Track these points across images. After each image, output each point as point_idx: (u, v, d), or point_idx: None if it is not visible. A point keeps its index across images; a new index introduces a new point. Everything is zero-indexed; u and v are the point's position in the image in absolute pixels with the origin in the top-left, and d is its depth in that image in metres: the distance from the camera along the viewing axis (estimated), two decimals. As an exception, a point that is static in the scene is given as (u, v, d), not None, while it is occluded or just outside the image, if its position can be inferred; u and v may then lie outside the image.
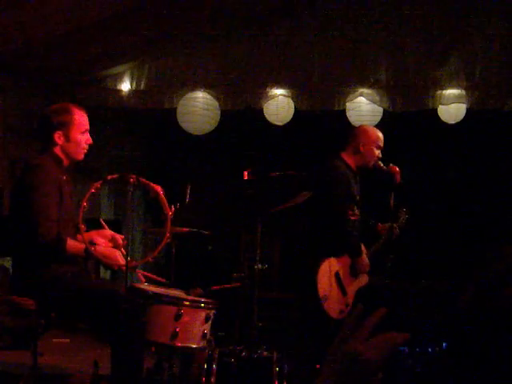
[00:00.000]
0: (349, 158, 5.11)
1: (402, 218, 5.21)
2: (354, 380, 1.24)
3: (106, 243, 3.89)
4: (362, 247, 5.00)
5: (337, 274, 4.82)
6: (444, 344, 5.15)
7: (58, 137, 3.83)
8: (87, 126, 3.92)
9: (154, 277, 4.04)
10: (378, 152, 5.13)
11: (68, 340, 6.13)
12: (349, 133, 5.27)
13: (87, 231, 3.73)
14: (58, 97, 6.65)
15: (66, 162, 3.90)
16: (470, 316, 1.36)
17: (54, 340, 5.93)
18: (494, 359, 1.33)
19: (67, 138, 3.84)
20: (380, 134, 5.22)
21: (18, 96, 6.92)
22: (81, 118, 3.89)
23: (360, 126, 5.47)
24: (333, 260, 4.83)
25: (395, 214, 5.09)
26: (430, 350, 5.33)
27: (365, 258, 4.93)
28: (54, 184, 3.73)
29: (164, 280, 4.15)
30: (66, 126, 3.83)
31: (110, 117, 7.81)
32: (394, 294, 4.65)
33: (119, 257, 3.68)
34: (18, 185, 3.88)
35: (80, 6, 5.74)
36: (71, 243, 3.63)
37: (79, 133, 3.87)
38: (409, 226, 5.24)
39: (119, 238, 3.93)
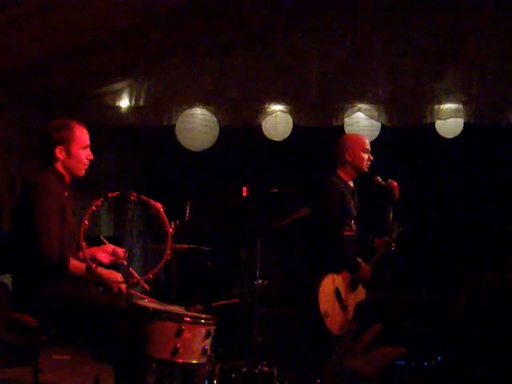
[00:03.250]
0: (343, 173, 5.09)
1: (395, 233, 5.15)
2: (351, 394, 1.26)
3: (107, 257, 3.90)
4: (359, 260, 5.00)
5: (337, 290, 4.83)
6: (438, 357, 5.16)
7: (59, 152, 3.81)
8: (88, 142, 3.91)
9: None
10: (366, 155, 5.07)
11: (69, 356, 6.11)
12: (334, 148, 5.18)
13: (88, 248, 3.74)
14: (57, 114, 6.66)
15: (67, 178, 3.89)
16: (461, 327, 1.38)
17: (54, 357, 5.92)
18: (487, 369, 1.35)
19: (68, 154, 3.83)
20: (363, 138, 5.21)
21: (17, 113, 6.93)
22: (82, 134, 3.88)
23: (341, 137, 5.30)
24: (333, 276, 4.83)
25: (390, 228, 5.07)
26: (425, 363, 5.35)
27: (363, 268, 4.93)
28: (56, 201, 3.72)
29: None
30: (67, 141, 3.82)
31: (108, 134, 7.83)
32: (391, 309, 4.65)
33: (119, 278, 3.69)
34: (20, 202, 3.87)
35: (79, 24, 5.79)
36: (74, 263, 3.64)
37: (80, 148, 3.86)
38: (405, 240, 5.22)
39: (120, 251, 3.95)
